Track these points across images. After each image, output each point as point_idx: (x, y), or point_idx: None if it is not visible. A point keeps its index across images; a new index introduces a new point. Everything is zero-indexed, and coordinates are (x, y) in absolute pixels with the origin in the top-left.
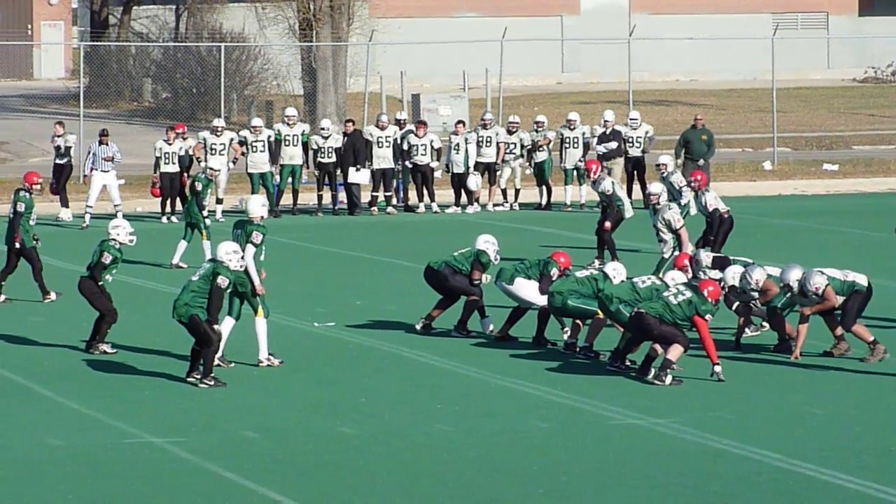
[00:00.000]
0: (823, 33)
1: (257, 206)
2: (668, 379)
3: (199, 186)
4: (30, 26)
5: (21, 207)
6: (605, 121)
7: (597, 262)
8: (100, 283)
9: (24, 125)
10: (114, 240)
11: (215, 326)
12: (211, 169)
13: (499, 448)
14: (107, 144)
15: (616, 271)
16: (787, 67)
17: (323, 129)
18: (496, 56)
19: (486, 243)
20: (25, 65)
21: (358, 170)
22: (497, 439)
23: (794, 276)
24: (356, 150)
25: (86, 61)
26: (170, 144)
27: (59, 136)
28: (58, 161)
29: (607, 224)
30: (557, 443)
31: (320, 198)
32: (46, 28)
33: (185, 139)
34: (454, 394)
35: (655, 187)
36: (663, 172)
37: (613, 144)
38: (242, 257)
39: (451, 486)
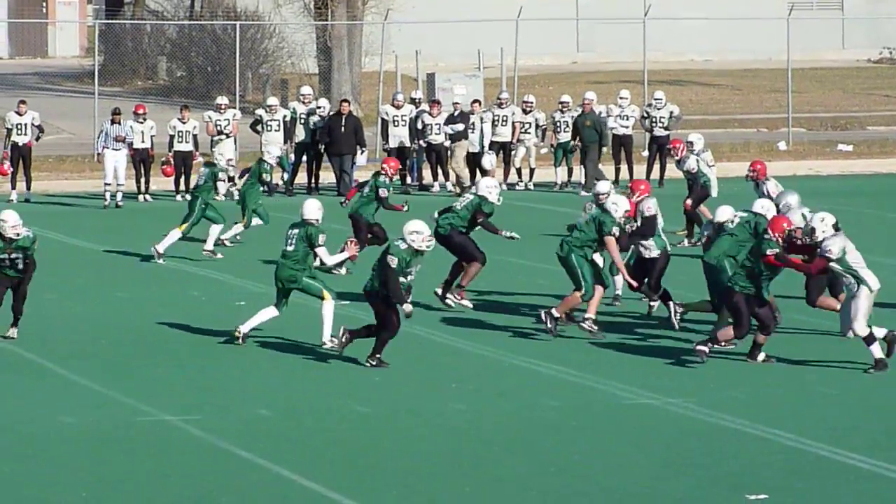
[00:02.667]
0: (838, 14)
1: (314, 209)
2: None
3: (266, 177)
4: (45, 4)
5: None
6: (455, 102)
7: (686, 242)
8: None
9: (40, 103)
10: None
11: (406, 307)
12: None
13: (512, 427)
14: (119, 123)
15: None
16: (802, 48)
17: (320, 107)
18: (511, 35)
19: (488, 188)
20: (40, 42)
21: (362, 152)
22: (510, 418)
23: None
24: (355, 131)
25: (101, 39)
26: (184, 123)
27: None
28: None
29: (688, 202)
30: (570, 422)
31: (317, 177)
32: (61, 6)
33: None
34: (468, 373)
35: (603, 186)
36: (693, 150)
37: (460, 126)
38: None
39: (465, 465)
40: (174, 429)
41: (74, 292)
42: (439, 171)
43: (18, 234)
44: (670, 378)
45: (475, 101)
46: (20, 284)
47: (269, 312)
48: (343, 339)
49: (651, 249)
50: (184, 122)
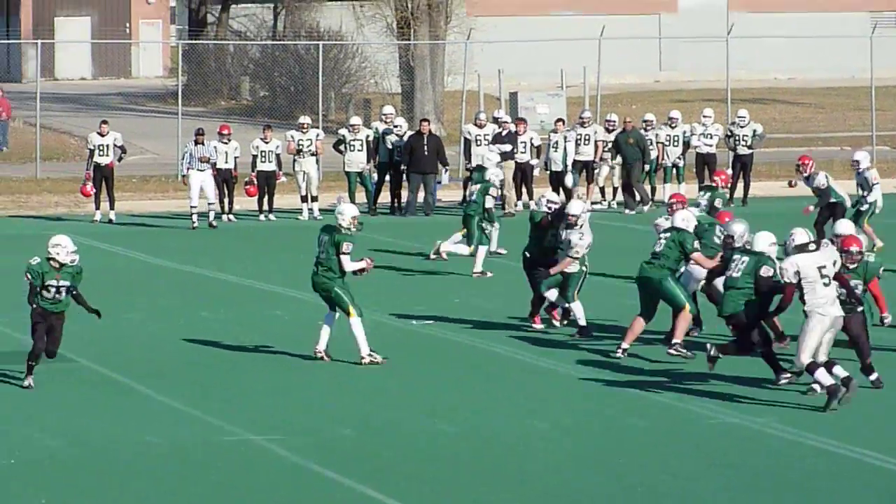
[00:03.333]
0: None
1: (348, 215)
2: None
3: (488, 202)
4: (128, 25)
5: None
6: (501, 120)
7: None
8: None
9: (123, 123)
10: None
11: None
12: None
13: (596, 446)
14: (203, 144)
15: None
16: (886, 66)
17: (396, 126)
18: (594, 54)
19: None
20: (124, 63)
21: (446, 171)
22: (594, 438)
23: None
24: (437, 150)
25: (184, 59)
26: (266, 143)
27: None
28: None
29: (807, 208)
30: (656, 441)
31: (399, 196)
32: (145, 26)
33: (227, 142)
34: (550, 392)
35: (575, 207)
36: (858, 168)
37: (507, 147)
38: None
39: (550, 486)
40: (258, 448)
41: (158, 312)
42: (524, 189)
43: (73, 261)
44: (752, 396)
45: (558, 119)
46: (57, 324)
47: (328, 325)
48: (712, 354)
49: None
50: (266, 142)
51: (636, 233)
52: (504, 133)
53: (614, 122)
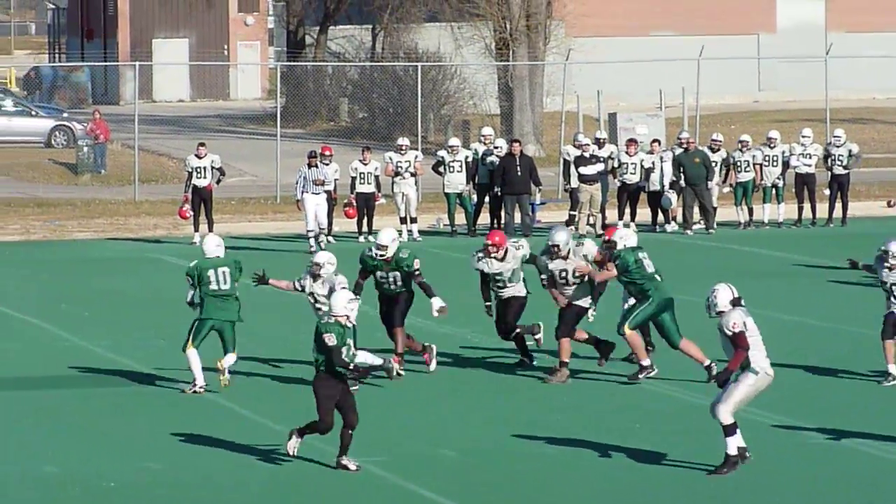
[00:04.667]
0: None
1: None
2: None
3: None
4: (226, 47)
5: None
6: (579, 143)
7: None
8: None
9: (221, 146)
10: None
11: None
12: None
13: (702, 468)
14: (316, 167)
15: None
16: None
17: (497, 147)
18: (693, 74)
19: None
20: (222, 85)
21: (539, 191)
22: (696, 458)
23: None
24: (530, 170)
25: (282, 81)
26: (365, 164)
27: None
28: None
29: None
30: (764, 464)
31: (499, 217)
32: (243, 48)
33: (328, 163)
34: (652, 413)
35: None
36: None
37: (600, 167)
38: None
39: None
40: (363, 471)
41: (260, 334)
42: (627, 210)
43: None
44: (856, 416)
45: (654, 140)
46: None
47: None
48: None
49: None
50: (365, 164)
51: (740, 254)
52: (588, 156)
53: (719, 141)
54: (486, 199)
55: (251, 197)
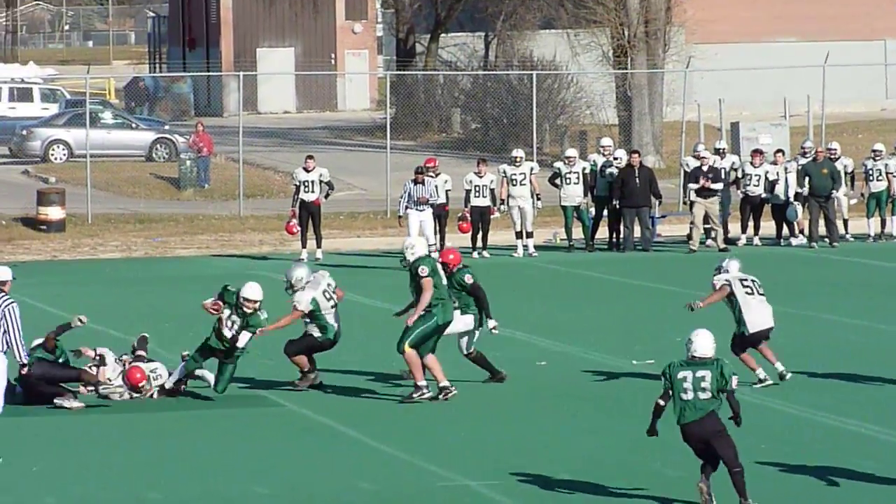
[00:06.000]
0: None
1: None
2: None
3: None
4: (333, 56)
5: None
6: (702, 155)
7: None
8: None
9: (329, 158)
10: None
11: None
12: None
13: (825, 491)
14: (423, 183)
15: None
16: None
17: (616, 159)
18: (817, 81)
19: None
20: (329, 96)
21: (659, 203)
22: (821, 478)
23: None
24: (649, 182)
25: (392, 91)
26: (480, 177)
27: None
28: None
29: None
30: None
31: (618, 231)
32: (351, 57)
33: (435, 175)
34: (778, 432)
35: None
36: None
37: (719, 186)
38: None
39: None
40: (477, 495)
41: (368, 355)
42: (750, 224)
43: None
44: None
45: (778, 150)
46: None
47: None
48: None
49: None
50: (480, 177)
51: (871, 268)
52: (706, 168)
53: (836, 150)
54: (605, 212)
55: (360, 211)
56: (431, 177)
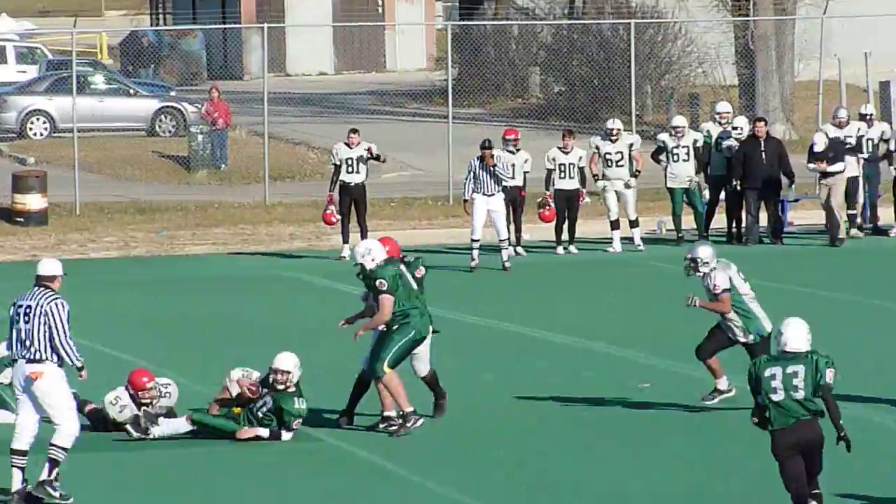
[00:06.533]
0: None
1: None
2: None
3: None
4: (380, 4)
5: None
6: (842, 120)
7: None
8: None
9: (377, 131)
10: None
11: None
12: None
13: None
14: (492, 162)
15: None
16: None
17: (736, 128)
18: None
19: None
20: (377, 53)
21: (791, 185)
22: None
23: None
24: (779, 158)
25: (454, 47)
26: (566, 153)
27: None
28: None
29: None
30: None
31: (738, 219)
32: (402, 5)
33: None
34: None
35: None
36: None
37: (839, 166)
38: None
39: None
40: None
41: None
42: None
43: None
44: None
45: None
46: None
47: None
48: None
49: None
50: (566, 153)
51: None
52: (842, 138)
53: None
54: (722, 195)
55: (416, 196)
56: (512, 152)
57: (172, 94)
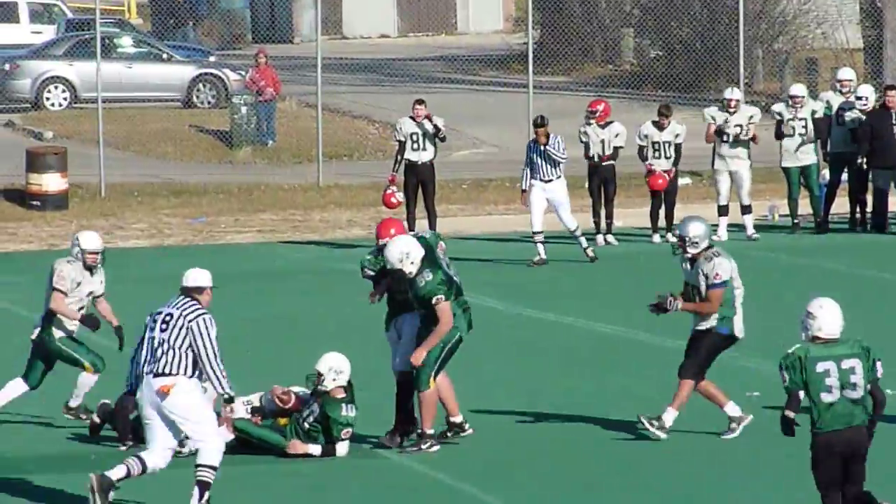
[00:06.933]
0: None
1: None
2: None
3: None
4: None
5: None
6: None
7: None
8: None
9: (446, 102)
10: None
11: None
12: None
13: None
14: (546, 140)
15: None
16: None
17: (860, 98)
18: None
19: None
20: (446, 13)
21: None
22: None
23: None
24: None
25: (536, 6)
26: (661, 129)
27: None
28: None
29: None
30: None
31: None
32: None
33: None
34: None
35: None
36: None
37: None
38: None
39: None
40: None
41: (485, 384)
42: None
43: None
44: None
45: None
46: None
47: None
48: None
49: None
50: (661, 129)
51: None
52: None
53: None
54: (844, 175)
55: (490, 178)
56: (601, 126)
57: (212, 59)
